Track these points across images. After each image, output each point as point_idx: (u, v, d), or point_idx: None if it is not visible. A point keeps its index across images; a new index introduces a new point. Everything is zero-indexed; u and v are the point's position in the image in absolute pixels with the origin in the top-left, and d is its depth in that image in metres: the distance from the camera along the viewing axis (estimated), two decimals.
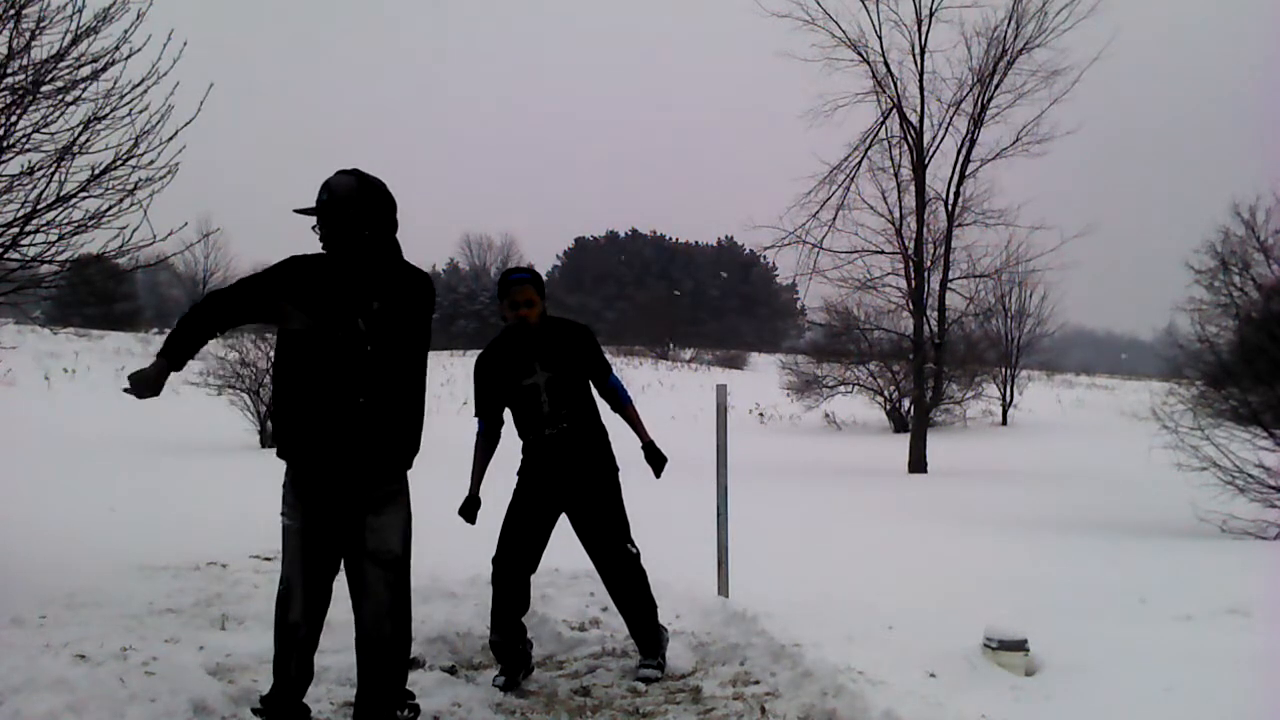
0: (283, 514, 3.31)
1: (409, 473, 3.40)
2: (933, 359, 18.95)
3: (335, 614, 3.42)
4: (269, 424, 17.06)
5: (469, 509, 4.13)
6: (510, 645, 4.11)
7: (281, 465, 3.35)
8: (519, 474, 4.27)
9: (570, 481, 4.17)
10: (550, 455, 4.15)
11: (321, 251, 3.28)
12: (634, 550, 4.24)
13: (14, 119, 5.00)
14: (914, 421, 19.32)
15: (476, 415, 4.23)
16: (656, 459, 4.36)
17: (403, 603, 3.35)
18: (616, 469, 4.27)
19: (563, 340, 4.17)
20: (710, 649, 4.48)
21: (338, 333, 3.15)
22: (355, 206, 3.19)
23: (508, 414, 4.23)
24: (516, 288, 4.06)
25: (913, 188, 17.93)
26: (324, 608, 3.37)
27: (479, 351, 4.29)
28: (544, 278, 4.29)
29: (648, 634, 4.25)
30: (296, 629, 3.31)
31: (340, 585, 3.36)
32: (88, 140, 5.06)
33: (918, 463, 17.60)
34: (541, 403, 4.10)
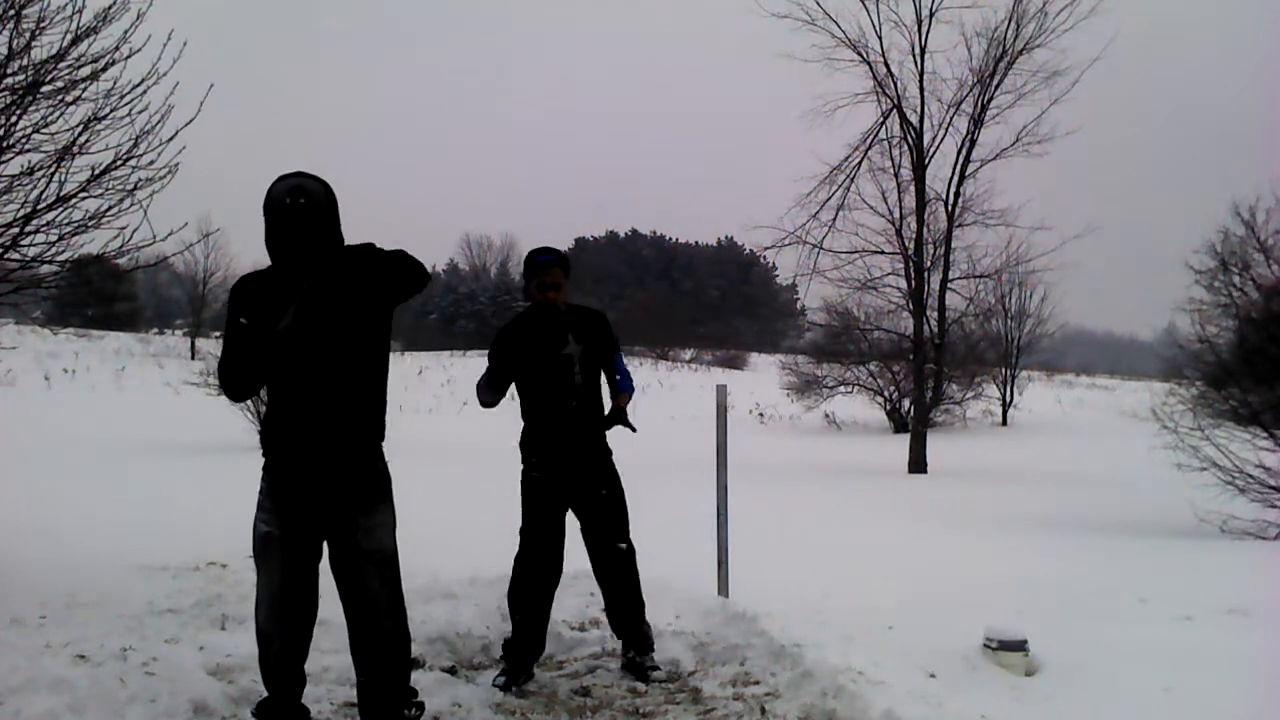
0: (260, 520, 3.24)
1: (397, 471, 3.39)
2: (933, 359, 18.95)
3: (336, 614, 3.41)
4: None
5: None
6: (525, 648, 4.12)
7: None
8: (525, 460, 4.19)
9: (579, 463, 4.16)
10: (569, 429, 4.12)
11: (267, 266, 3.23)
12: (631, 546, 4.25)
13: (14, 119, 5.00)
14: (914, 421, 19.33)
15: (486, 375, 4.12)
16: (618, 418, 4.23)
17: (399, 600, 3.34)
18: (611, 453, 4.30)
19: (587, 321, 4.23)
20: (710, 649, 4.48)
21: (286, 335, 3.09)
22: (330, 209, 3.16)
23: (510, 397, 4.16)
24: (544, 269, 4.08)
25: (913, 188, 17.97)
26: (305, 615, 3.31)
27: (478, 351, 4.27)
28: (567, 256, 4.27)
29: (642, 627, 4.28)
30: (265, 638, 3.27)
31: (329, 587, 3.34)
32: (88, 140, 5.07)
33: (918, 463, 17.61)
34: (575, 373, 4.10)
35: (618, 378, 4.32)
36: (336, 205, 3.20)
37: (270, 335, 3.10)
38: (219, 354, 3.27)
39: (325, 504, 3.20)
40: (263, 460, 3.29)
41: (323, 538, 3.26)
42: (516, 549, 4.18)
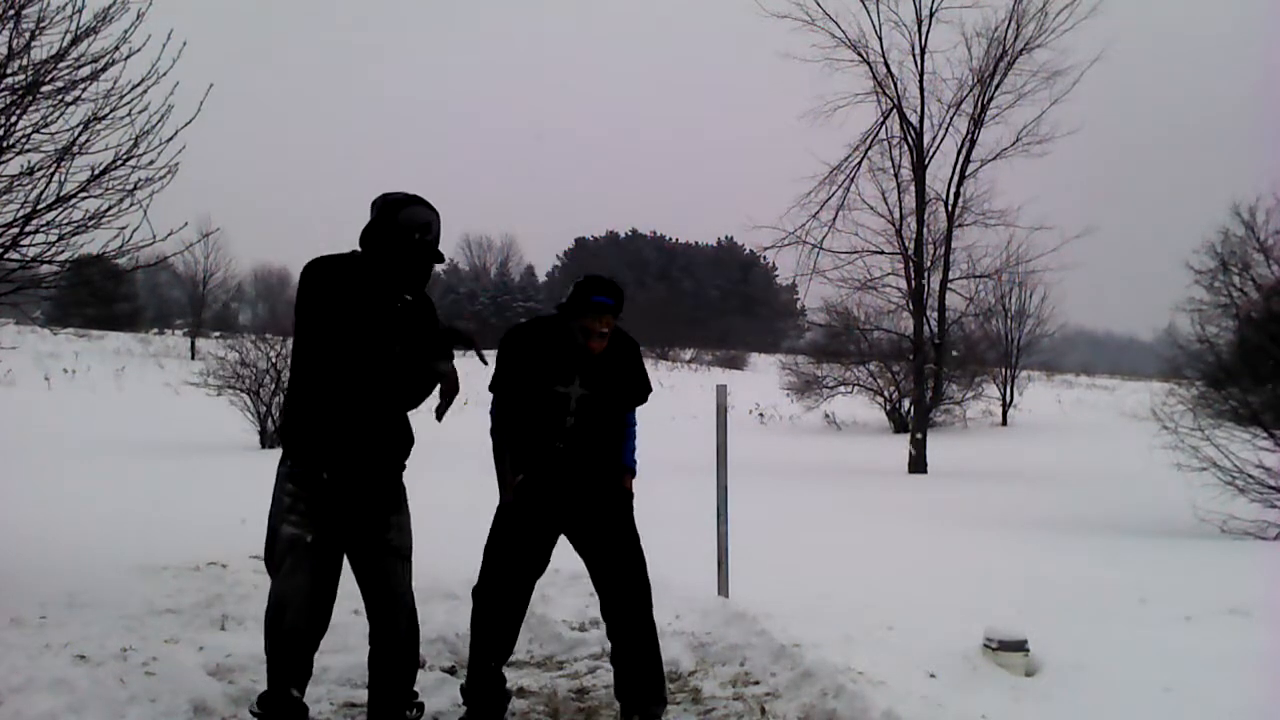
0: (289, 524, 3.20)
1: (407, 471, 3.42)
2: (933, 359, 18.95)
3: (337, 614, 3.42)
4: (269, 424, 16.99)
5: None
6: (485, 691, 3.61)
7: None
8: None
9: (575, 499, 3.63)
10: (554, 471, 3.60)
11: (343, 253, 3.26)
12: (647, 606, 3.65)
13: (14, 119, 5.00)
14: (914, 422, 19.33)
15: (493, 390, 3.67)
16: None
17: (413, 601, 3.40)
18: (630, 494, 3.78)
19: (613, 359, 3.65)
20: (710, 649, 4.48)
21: (389, 347, 3.16)
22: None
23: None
24: (596, 315, 3.50)
25: (913, 188, 17.98)
26: (328, 614, 3.32)
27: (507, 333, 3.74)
28: (624, 295, 3.63)
29: (657, 674, 3.68)
30: (296, 635, 3.24)
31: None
32: (88, 140, 5.06)
33: (918, 463, 17.61)
34: (566, 415, 3.58)
35: (625, 443, 3.75)
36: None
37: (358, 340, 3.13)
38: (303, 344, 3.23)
39: (361, 505, 3.22)
40: (287, 463, 3.25)
41: (350, 538, 3.27)
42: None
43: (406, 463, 3.39)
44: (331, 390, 3.19)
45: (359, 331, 3.12)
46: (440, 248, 3.24)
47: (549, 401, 3.57)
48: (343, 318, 3.11)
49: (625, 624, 3.61)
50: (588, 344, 3.52)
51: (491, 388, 3.68)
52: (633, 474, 3.76)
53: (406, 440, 3.37)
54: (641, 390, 3.77)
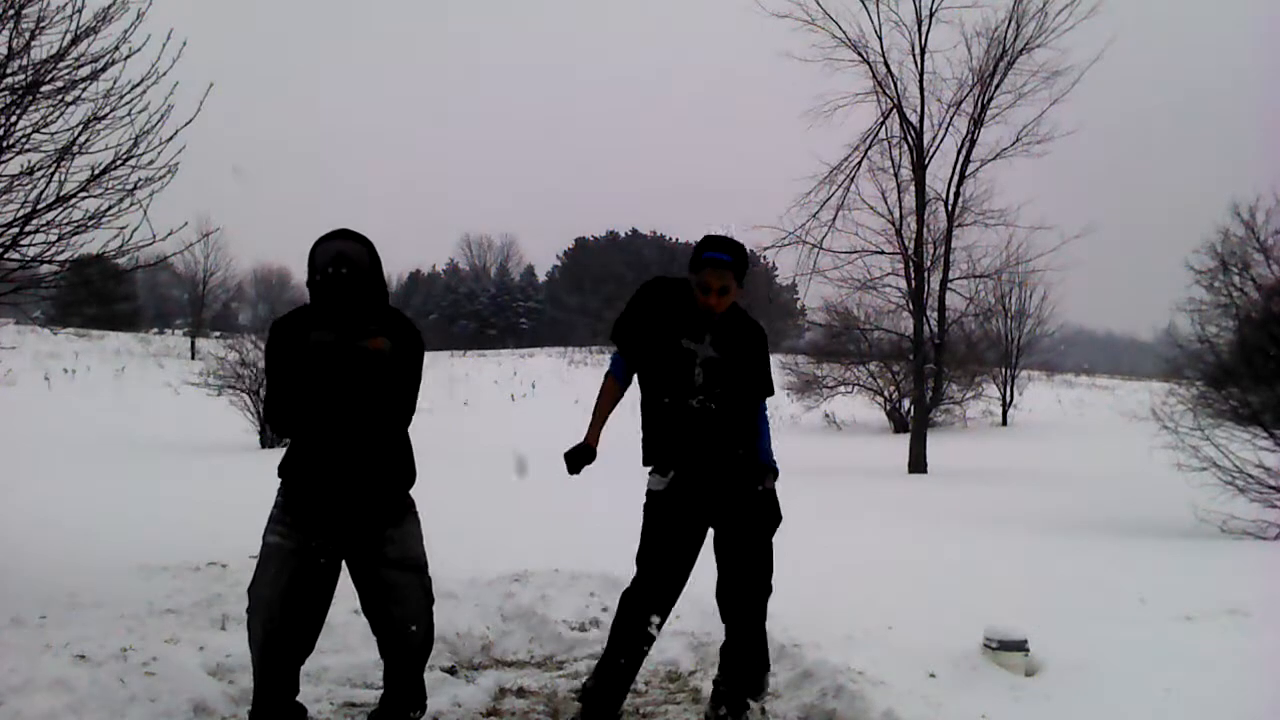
0: (273, 533, 3.20)
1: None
2: (933, 359, 18.95)
3: (336, 614, 3.42)
4: (269, 425, 17.00)
5: (578, 457, 3.32)
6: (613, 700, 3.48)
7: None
8: (654, 471, 3.50)
9: (726, 497, 3.47)
10: (693, 432, 3.42)
11: (304, 305, 3.26)
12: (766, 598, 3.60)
13: (14, 119, 5.00)
14: (914, 421, 19.32)
15: (615, 340, 3.53)
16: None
17: (430, 607, 3.38)
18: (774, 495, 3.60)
19: (742, 333, 3.53)
20: (710, 649, 4.48)
21: (344, 379, 3.12)
22: (374, 272, 3.18)
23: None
24: (712, 271, 3.34)
25: (913, 188, 17.95)
26: (309, 624, 3.23)
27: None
28: (749, 256, 3.49)
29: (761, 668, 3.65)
30: (269, 643, 3.19)
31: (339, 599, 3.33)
32: (88, 140, 5.06)
33: (918, 463, 17.61)
34: (694, 373, 3.41)
35: (760, 438, 3.58)
36: (380, 265, 3.23)
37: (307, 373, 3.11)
38: (265, 396, 3.33)
39: (351, 522, 3.21)
40: (280, 489, 3.27)
41: (343, 555, 3.26)
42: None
43: (403, 491, 3.34)
44: (301, 440, 3.22)
45: (303, 379, 3.12)
46: (381, 273, 3.20)
47: (675, 357, 3.42)
48: (290, 368, 3.13)
49: (741, 621, 3.58)
50: (705, 300, 3.36)
51: (614, 336, 3.53)
52: (775, 473, 3.59)
53: (399, 476, 3.30)
54: (764, 379, 3.60)
